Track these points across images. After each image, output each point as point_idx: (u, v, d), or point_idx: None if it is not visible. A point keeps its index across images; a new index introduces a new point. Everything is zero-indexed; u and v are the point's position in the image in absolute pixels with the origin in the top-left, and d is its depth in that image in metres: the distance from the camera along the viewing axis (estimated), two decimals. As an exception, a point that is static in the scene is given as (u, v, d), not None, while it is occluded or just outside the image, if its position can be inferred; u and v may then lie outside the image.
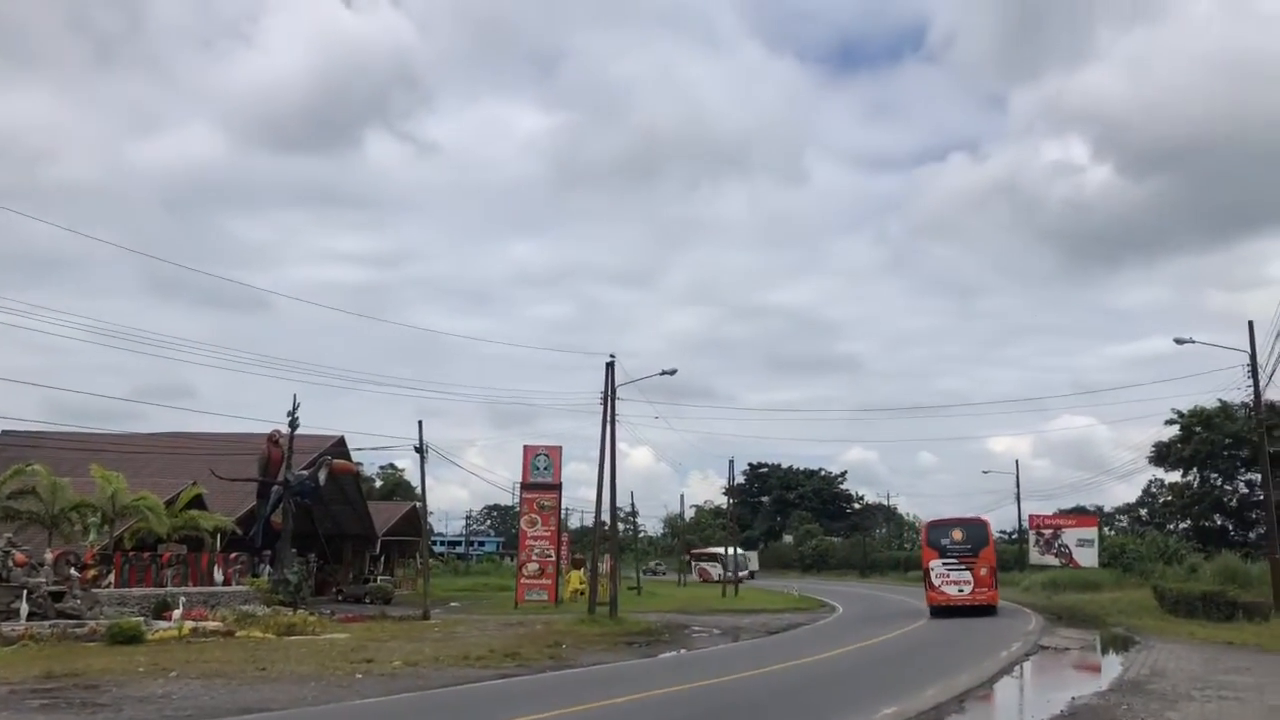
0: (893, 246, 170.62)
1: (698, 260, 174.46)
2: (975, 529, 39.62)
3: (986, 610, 37.21)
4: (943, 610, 37.10)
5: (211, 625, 27.93)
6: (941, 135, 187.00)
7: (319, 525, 49.18)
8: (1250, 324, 34.26)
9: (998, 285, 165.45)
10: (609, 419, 38.07)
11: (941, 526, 40.39)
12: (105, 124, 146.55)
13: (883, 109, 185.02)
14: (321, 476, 40.77)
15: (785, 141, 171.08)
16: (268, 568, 39.92)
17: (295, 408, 38.75)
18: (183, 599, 29.89)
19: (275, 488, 38.99)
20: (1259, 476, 44.62)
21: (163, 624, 27.48)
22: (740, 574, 76.57)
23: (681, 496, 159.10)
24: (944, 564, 37.96)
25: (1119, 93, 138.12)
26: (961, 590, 37.39)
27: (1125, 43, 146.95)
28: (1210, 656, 22.64)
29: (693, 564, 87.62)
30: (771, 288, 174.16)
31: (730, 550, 76.37)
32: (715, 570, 79.51)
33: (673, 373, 40.55)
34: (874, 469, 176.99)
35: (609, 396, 38.11)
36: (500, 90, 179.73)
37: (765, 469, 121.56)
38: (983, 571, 37.69)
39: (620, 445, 43.57)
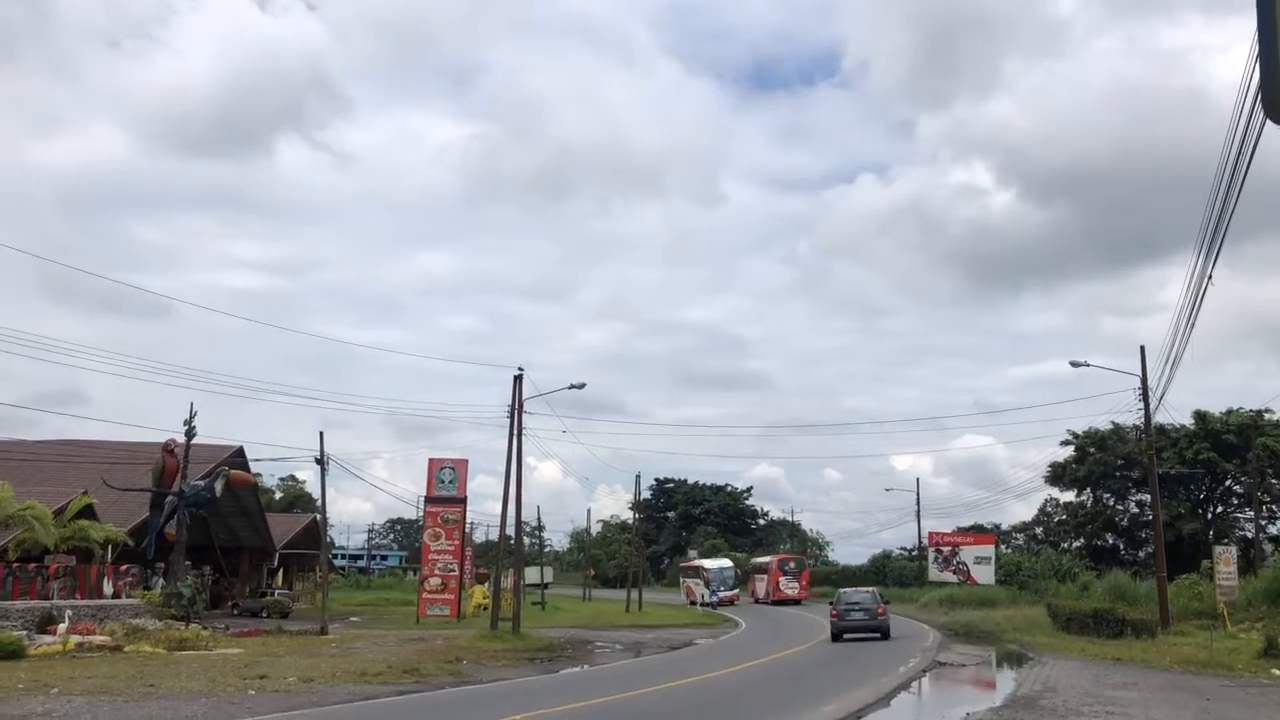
0: (802, 266, 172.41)
1: (610, 276, 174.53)
2: (800, 561, 75.08)
3: (797, 602, 64.74)
4: (780, 601, 65.17)
5: (99, 640, 27.05)
6: (851, 158, 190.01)
7: (215, 537, 47.98)
8: (1142, 349, 35.45)
9: (903, 306, 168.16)
10: (516, 432, 37.78)
11: (786, 560, 72.63)
12: (3, 121, 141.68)
13: (796, 131, 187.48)
14: (218, 487, 39.70)
15: (699, 161, 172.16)
16: (160, 580, 38.77)
17: (192, 416, 37.74)
18: (69, 612, 28.88)
19: (170, 498, 37.93)
20: (1149, 497, 45.99)
21: (47, 638, 26.53)
22: (725, 593, 65.82)
23: (588, 511, 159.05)
24: (785, 579, 67.89)
25: (1022, 122, 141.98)
26: (792, 591, 66.69)
27: (1030, 75, 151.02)
28: (1099, 673, 23.21)
29: (681, 579, 78.30)
30: (682, 305, 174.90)
31: (717, 563, 71.29)
32: (700, 589, 68.32)
33: (581, 386, 40.64)
34: (779, 485, 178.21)
35: (516, 410, 37.82)
36: (415, 100, 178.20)
37: (671, 484, 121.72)
38: (803, 582, 68.80)
39: (528, 459, 43.37)
